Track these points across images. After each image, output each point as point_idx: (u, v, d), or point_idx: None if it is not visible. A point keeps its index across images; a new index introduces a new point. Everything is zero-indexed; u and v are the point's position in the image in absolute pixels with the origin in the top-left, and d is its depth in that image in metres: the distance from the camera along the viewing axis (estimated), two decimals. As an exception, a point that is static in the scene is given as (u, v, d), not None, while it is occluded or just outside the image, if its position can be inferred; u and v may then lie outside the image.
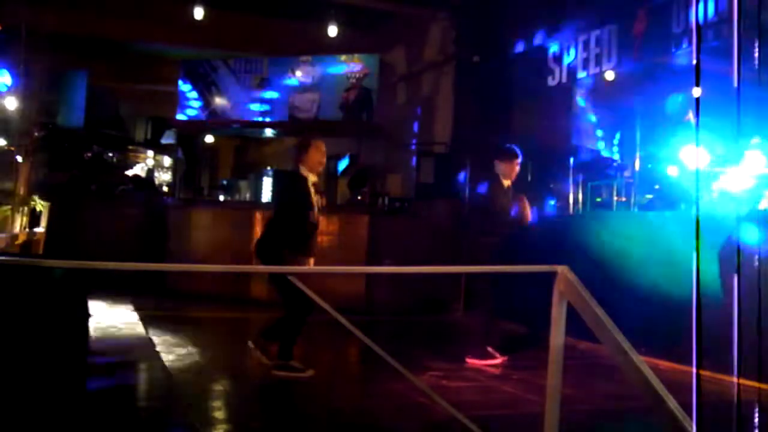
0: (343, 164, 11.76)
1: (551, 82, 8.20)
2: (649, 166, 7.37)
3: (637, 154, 7.61)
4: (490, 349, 5.59)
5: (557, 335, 2.38)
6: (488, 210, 5.68)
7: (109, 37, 12.17)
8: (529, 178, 8.38)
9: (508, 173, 5.73)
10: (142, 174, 14.18)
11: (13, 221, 9.86)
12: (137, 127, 15.10)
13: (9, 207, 9.88)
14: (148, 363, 5.15)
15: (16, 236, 9.64)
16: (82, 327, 3.88)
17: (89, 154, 12.82)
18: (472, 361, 5.56)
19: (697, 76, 2.07)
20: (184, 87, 12.55)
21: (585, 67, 7.64)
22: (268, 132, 13.10)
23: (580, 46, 7.69)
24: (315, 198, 4.87)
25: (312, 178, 4.90)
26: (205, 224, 9.26)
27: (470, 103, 9.36)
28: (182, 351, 5.53)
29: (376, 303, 8.15)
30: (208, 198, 12.51)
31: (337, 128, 11.61)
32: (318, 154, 4.88)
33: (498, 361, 5.56)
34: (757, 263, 3.68)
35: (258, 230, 8.71)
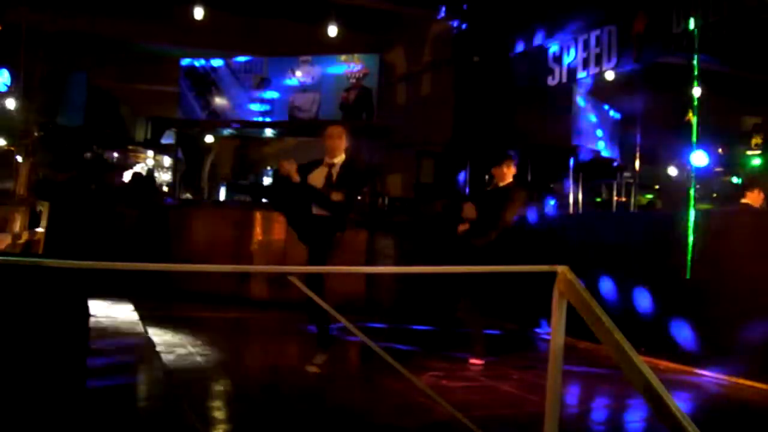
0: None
1: (551, 82, 8.20)
2: (649, 166, 7.39)
3: (637, 154, 7.62)
4: (476, 351, 5.63)
5: (557, 335, 2.37)
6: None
7: (109, 37, 12.15)
8: (529, 178, 8.38)
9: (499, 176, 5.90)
10: (143, 173, 14.16)
11: (13, 221, 9.83)
12: (137, 127, 15.07)
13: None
14: (148, 363, 5.15)
15: (17, 236, 9.63)
16: (82, 327, 3.88)
17: (89, 154, 12.81)
18: (474, 361, 5.56)
19: (697, 76, 2.07)
20: (184, 87, 12.54)
21: (585, 67, 7.63)
22: (268, 132, 13.10)
23: (580, 46, 7.69)
24: (320, 176, 5.15)
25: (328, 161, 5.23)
26: (206, 224, 9.26)
27: (470, 103, 9.35)
28: (182, 351, 5.53)
29: (375, 303, 8.16)
30: (208, 198, 12.48)
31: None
32: (325, 139, 5.29)
33: (481, 362, 5.57)
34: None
35: (258, 230, 8.73)
